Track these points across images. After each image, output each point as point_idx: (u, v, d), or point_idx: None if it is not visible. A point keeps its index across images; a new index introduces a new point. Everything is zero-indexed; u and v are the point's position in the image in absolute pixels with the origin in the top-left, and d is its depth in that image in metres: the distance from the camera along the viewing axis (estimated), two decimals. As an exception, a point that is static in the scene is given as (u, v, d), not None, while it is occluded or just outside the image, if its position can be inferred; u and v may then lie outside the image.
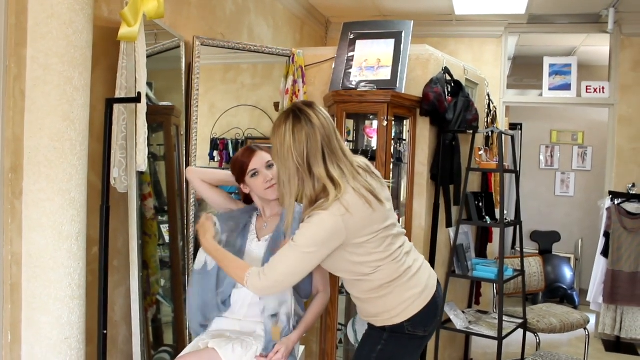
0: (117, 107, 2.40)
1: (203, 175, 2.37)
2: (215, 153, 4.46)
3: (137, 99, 2.24)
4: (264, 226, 2.32)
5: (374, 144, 3.67)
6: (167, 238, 3.17)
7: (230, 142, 4.42)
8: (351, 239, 1.90)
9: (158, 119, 3.15)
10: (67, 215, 2.11)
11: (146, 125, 2.45)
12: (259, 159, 2.23)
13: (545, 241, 6.94)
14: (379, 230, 1.94)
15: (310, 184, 1.91)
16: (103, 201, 2.23)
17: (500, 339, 3.42)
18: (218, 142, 4.42)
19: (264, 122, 4.12)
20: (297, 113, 1.92)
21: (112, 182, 2.42)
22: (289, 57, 3.51)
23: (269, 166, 2.22)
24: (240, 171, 2.24)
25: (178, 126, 3.23)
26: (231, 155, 4.41)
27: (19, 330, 2.10)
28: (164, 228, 3.17)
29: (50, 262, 2.08)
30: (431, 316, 2.06)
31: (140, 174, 2.64)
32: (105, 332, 2.23)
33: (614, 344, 5.10)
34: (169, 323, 3.20)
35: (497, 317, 3.52)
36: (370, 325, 2.12)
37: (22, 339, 2.10)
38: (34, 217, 2.07)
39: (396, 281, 1.99)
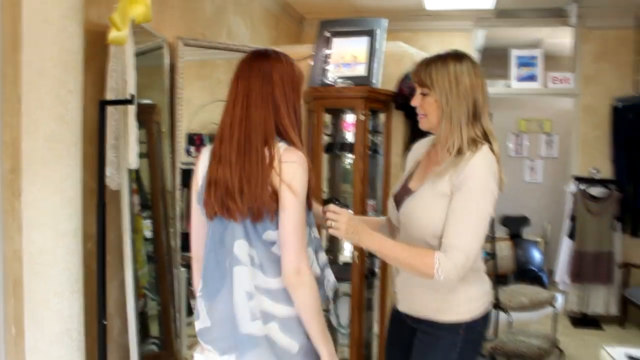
0: (109, 109, 2.50)
1: None
2: (192, 148, 4.56)
3: (130, 101, 2.34)
4: None
5: (349, 136, 3.83)
6: (150, 234, 3.25)
7: (206, 137, 4.52)
8: None
9: (140, 117, 3.23)
10: (64, 214, 2.20)
11: (136, 124, 2.55)
12: None
13: (515, 226, 7.17)
14: None
15: (467, 131, 1.76)
16: (100, 199, 2.34)
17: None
18: (194, 137, 4.51)
19: (241, 117, 4.21)
20: (471, 59, 1.80)
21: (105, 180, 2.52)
22: (268, 55, 3.61)
23: None
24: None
25: (159, 123, 3.31)
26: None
27: (22, 324, 2.19)
28: (147, 223, 3.27)
29: (50, 258, 2.18)
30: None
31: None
32: (105, 322, 2.34)
33: (580, 320, 5.38)
34: (153, 316, 3.31)
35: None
36: (436, 326, 1.81)
37: (25, 332, 2.19)
38: (33, 216, 2.16)
39: (476, 267, 1.81)
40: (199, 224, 1.78)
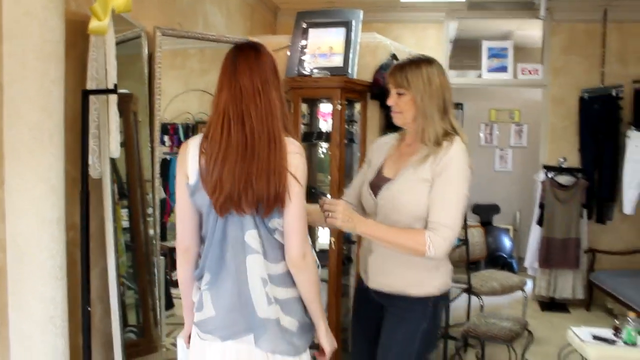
0: (89, 98, 2.52)
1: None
2: (166, 138, 4.56)
3: (113, 91, 2.37)
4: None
5: (322, 124, 3.89)
6: (127, 223, 3.27)
7: (180, 126, 4.52)
8: None
9: (117, 106, 3.24)
10: (48, 202, 2.22)
11: (118, 113, 2.57)
12: None
13: (486, 213, 7.34)
14: None
15: (440, 125, 1.96)
16: (83, 187, 2.36)
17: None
18: (168, 127, 4.51)
19: (214, 106, 4.22)
20: (438, 63, 2.02)
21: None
22: (245, 45, 3.64)
23: None
24: None
25: (136, 113, 3.33)
26: (182, 140, 4.51)
27: (6, 311, 2.22)
28: (124, 212, 3.29)
29: (34, 246, 2.20)
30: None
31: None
32: (89, 308, 2.38)
33: (549, 304, 5.57)
34: (131, 304, 3.33)
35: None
36: (409, 300, 2.01)
37: (9, 319, 2.21)
38: (17, 205, 2.17)
39: None
40: (185, 216, 1.79)
